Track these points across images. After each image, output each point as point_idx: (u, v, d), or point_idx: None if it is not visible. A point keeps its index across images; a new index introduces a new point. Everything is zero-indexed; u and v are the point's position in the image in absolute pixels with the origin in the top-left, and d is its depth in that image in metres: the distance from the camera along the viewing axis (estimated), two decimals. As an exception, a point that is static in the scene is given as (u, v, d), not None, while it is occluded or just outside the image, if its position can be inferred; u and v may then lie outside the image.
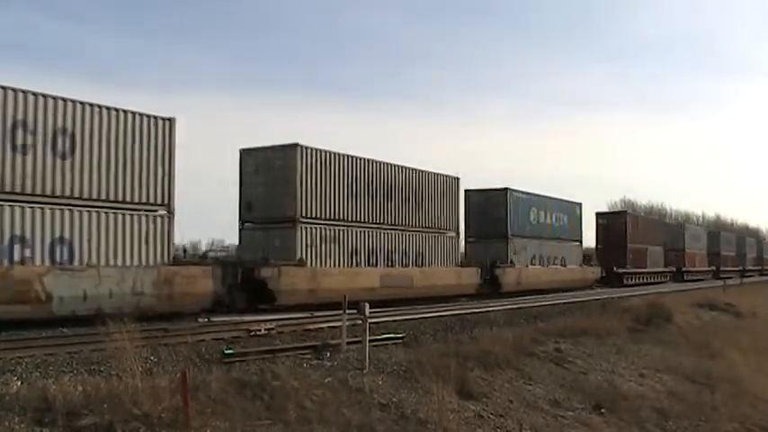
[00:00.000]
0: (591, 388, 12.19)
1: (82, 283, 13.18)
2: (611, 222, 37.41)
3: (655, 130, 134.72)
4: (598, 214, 38.92)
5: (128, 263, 14.37)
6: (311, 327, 13.44)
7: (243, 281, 16.63)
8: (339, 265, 19.22)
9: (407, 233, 21.89)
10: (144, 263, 14.59)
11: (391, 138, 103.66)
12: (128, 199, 14.66)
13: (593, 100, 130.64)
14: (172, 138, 15.51)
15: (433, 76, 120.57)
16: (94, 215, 14.02)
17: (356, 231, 19.99)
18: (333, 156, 19.38)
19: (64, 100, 13.72)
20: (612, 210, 56.47)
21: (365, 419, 8.19)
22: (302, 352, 10.81)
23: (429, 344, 12.56)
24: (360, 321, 10.62)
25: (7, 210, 12.77)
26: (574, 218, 33.08)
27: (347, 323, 10.98)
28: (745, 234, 73.07)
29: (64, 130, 13.63)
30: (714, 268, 50.79)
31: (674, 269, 43.76)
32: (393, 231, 21.32)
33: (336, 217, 19.39)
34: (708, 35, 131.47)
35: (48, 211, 13.29)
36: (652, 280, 38.40)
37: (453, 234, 24.03)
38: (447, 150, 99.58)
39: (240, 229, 19.25)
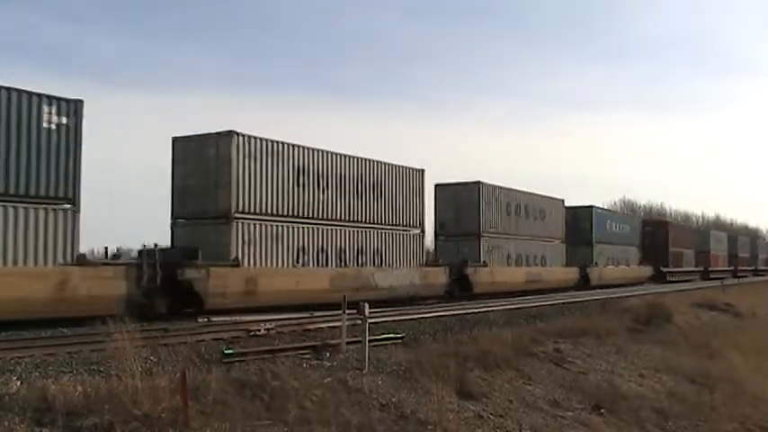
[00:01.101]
0: (590, 388, 12.20)
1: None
2: (656, 230, 45.28)
3: (654, 130, 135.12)
4: (645, 222, 47.36)
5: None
6: (311, 327, 13.44)
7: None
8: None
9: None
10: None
11: (391, 138, 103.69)
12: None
13: (592, 100, 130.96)
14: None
15: (433, 76, 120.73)
16: None
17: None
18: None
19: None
20: (650, 218, 63.79)
21: (365, 420, 8.20)
22: (302, 352, 10.80)
23: (429, 344, 12.56)
24: (359, 321, 10.63)
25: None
26: (633, 228, 42.13)
27: (347, 323, 10.98)
28: (755, 236, 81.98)
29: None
30: (733, 268, 56.77)
31: (702, 268, 49.98)
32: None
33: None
34: (707, 35, 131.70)
35: None
36: (686, 278, 44.81)
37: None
38: (447, 150, 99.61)
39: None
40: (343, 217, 19.40)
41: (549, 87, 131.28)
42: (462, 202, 25.45)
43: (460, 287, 23.41)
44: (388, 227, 21.10)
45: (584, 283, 31.93)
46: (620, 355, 15.24)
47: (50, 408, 6.60)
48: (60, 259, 13.37)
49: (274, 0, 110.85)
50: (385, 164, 21.20)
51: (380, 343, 11.88)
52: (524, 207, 28.72)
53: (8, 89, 12.90)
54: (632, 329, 18.07)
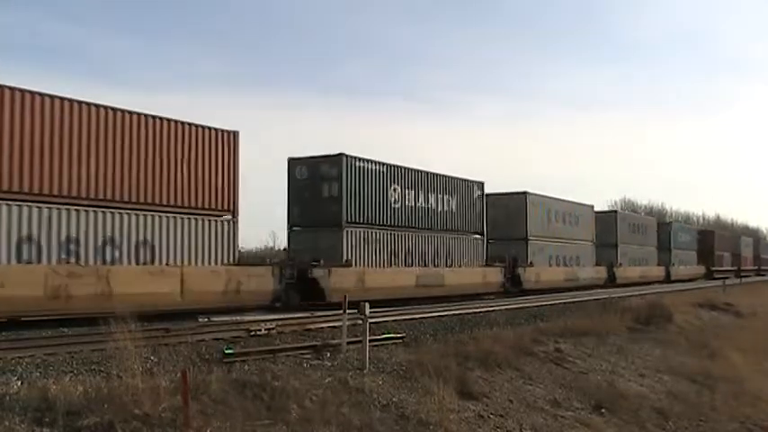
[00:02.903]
0: (591, 388, 12.19)
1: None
2: (705, 237, 55.88)
3: (655, 131, 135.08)
4: (698, 231, 57.30)
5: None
6: (311, 327, 13.44)
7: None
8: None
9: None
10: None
11: (391, 137, 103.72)
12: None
13: (593, 100, 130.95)
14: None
15: (433, 76, 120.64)
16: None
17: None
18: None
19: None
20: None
21: (366, 420, 8.20)
22: (302, 352, 10.79)
23: (429, 344, 12.56)
24: (360, 321, 10.62)
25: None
26: (692, 236, 53.62)
27: (347, 323, 10.98)
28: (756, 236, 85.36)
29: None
30: (757, 267, 67.89)
31: (736, 268, 58.97)
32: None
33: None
34: (709, 36, 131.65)
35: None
36: (726, 276, 50.01)
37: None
38: (447, 150, 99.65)
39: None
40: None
41: (550, 87, 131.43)
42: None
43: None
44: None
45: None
46: (621, 355, 15.24)
47: (51, 407, 6.60)
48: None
49: (275, 0, 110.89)
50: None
51: (381, 343, 11.88)
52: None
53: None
54: (633, 329, 18.07)
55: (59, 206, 13.64)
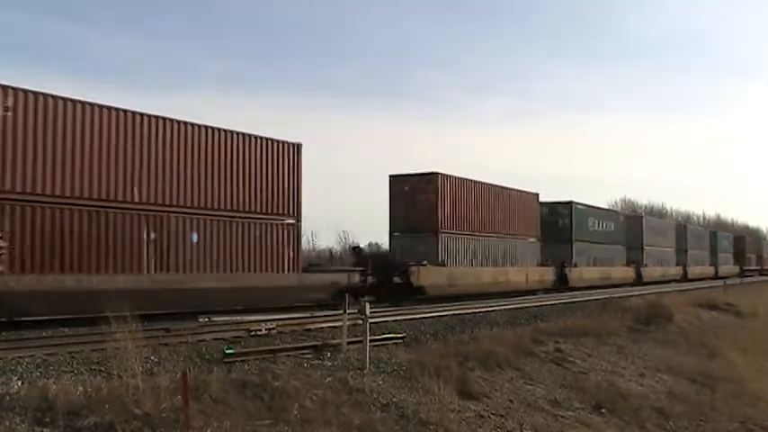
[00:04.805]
0: (591, 388, 12.19)
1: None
2: (738, 241, 66.84)
3: (655, 130, 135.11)
4: (734, 237, 67.51)
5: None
6: (311, 326, 13.44)
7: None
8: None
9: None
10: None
11: (391, 138, 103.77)
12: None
13: (593, 100, 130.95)
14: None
15: (432, 76, 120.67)
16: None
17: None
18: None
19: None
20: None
21: (366, 419, 8.19)
22: (303, 352, 10.80)
23: (429, 344, 12.57)
24: (360, 321, 10.63)
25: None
26: (730, 242, 63.99)
27: (348, 323, 10.98)
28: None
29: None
30: None
31: (759, 267, 69.90)
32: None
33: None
34: (710, 36, 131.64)
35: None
36: (750, 273, 61.38)
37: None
38: (447, 150, 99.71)
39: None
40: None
41: (550, 87, 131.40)
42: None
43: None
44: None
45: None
46: (621, 355, 15.25)
47: (51, 407, 6.60)
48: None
49: (275, 0, 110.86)
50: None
51: (381, 343, 11.88)
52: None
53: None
54: (633, 329, 18.07)
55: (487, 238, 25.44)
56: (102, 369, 8.54)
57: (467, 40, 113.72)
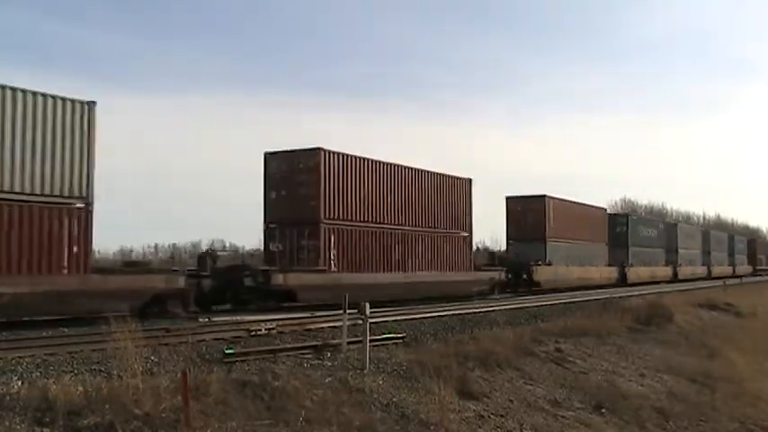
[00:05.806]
0: (591, 388, 12.18)
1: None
2: (751, 244, 73.69)
3: (655, 131, 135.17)
4: (747, 239, 74.94)
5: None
6: (312, 326, 13.43)
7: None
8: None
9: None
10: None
11: (391, 138, 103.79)
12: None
13: (593, 100, 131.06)
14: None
15: (432, 76, 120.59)
16: None
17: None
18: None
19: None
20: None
21: (366, 419, 8.19)
22: (303, 352, 10.79)
23: (429, 344, 12.54)
24: (360, 321, 10.62)
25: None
26: (744, 244, 70.18)
27: (348, 323, 10.97)
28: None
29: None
30: None
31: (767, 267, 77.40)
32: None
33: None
34: (710, 36, 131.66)
35: None
36: (761, 273, 67.68)
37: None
38: (447, 150, 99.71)
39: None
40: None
41: (550, 88, 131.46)
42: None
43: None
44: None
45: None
46: (621, 355, 15.24)
47: (51, 407, 6.60)
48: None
49: (275, 0, 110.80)
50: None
51: (381, 343, 11.87)
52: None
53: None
54: (633, 329, 18.05)
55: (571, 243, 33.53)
56: (103, 369, 8.53)
57: (468, 40, 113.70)
